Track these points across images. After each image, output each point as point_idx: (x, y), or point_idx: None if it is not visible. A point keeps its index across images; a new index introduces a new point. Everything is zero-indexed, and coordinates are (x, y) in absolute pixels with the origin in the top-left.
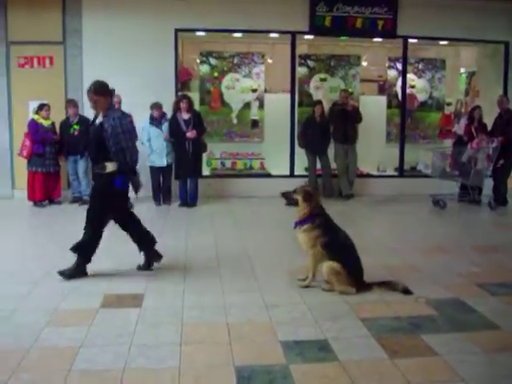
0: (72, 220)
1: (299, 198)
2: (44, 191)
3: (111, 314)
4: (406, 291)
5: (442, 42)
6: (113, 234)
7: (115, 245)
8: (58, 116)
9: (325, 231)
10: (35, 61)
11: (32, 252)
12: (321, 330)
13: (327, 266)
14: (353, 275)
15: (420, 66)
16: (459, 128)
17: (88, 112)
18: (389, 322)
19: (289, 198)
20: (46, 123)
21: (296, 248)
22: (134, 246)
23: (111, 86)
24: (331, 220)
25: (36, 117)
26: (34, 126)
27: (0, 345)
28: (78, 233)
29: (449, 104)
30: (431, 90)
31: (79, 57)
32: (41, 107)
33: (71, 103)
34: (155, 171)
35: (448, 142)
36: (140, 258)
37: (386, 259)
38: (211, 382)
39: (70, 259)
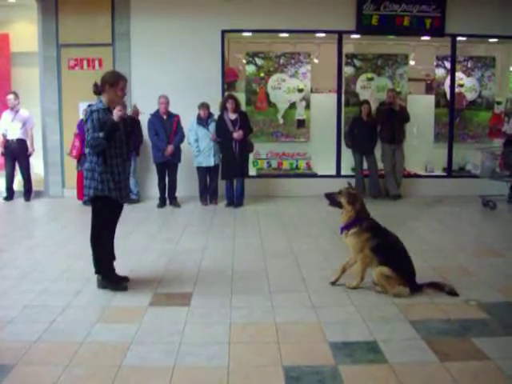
0: (121, 218)
1: (343, 200)
2: None
3: (160, 313)
4: (452, 293)
5: (491, 40)
6: (162, 235)
7: (165, 245)
8: None
9: (373, 234)
10: (85, 63)
11: (82, 250)
12: (369, 332)
13: (377, 272)
14: (404, 277)
15: (469, 65)
16: (509, 127)
17: None
18: (439, 324)
19: (333, 199)
20: None
21: (343, 248)
22: (183, 246)
23: (159, 86)
24: (378, 223)
25: None
26: (83, 126)
27: (54, 339)
28: (126, 231)
29: (499, 103)
30: (480, 89)
31: (128, 59)
32: None
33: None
34: (202, 171)
35: (498, 142)
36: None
37: (435, 261)
38: (260, 381)
39: (120, 257)
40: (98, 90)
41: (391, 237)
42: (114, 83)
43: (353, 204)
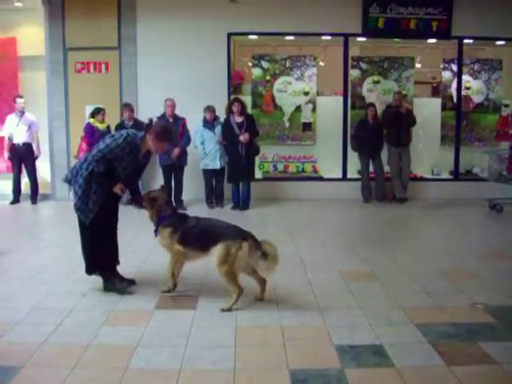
0: (128, 221)
1: (144, 203)
2: None
3: (166, 315)
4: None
5: (498, 42)
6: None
7: None
8: (113, 120)
9: (174, 228)
10: (91, 66)
11: None
12: (376, 335)
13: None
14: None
15: (475, 67)
16: None
17: (142, 115)
18: (445, 328)
19: (138, 202)
20: (101, 127)
21: (349, 250)
22: None
23: (165, 88)
24: (182, 215)
25: (92, 120)
26: (90, 129)
27: (60, 341)
28: (132, 234)
29: (506, 105)
30: (487, 92)
31: (134, 62)
32: (97, 111)
33: (127, 107)
34: (208, 174)
35: (505, 145)
36: None
37: (442, 264)
38: None
39: (126, 260)
40: (147, 127)
41: (193, 221)
42: (159, 139)
43: (152, 206)
